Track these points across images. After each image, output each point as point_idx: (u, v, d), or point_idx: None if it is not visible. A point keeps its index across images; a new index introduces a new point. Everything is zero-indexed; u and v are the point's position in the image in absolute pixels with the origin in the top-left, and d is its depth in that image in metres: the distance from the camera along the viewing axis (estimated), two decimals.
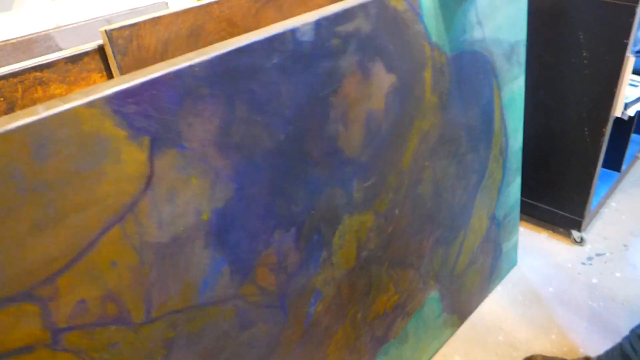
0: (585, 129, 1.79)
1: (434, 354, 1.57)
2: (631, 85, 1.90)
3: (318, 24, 0.88)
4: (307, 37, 0.87)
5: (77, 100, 0.63)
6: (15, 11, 1.04)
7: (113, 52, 0.94)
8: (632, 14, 1.56)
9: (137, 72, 0.68)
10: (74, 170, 0.64)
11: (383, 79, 1.02)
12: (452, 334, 1.63)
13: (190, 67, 0.73)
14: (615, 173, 2.12)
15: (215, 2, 1.00)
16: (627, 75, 1.67)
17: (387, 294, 1.28)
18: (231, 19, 1.02)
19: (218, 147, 0.79)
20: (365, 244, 1.14)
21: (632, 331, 1.31)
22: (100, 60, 0.96)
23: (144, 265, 0.75)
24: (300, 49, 0.87)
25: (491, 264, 1.69)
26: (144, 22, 0.95)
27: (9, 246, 0.61)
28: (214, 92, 0.77)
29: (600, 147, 1.78)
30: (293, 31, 0.85)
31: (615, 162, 2.12)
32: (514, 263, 1.84)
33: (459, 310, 1.62)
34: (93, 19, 1.02)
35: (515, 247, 1.81)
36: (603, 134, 1.76)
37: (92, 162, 0.65)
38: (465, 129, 1.29)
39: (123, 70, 0.95)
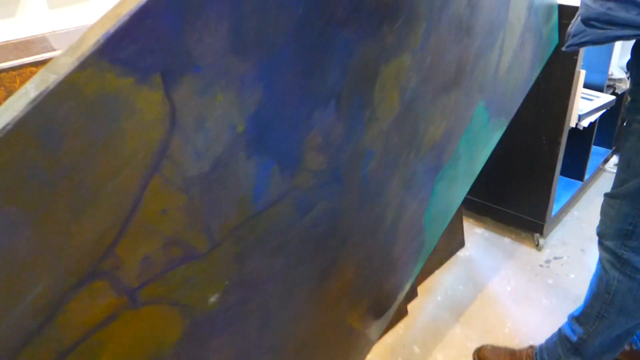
0: (543, 138, 1.93)
1: (485, 161, 1.59)
2: (586, 99, 2.05)
3: None
4: None
5: (68, 65, 0.54)
6: (18, 18, 1.21)
7: None
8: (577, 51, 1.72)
9: (118, 6, 0.58)
10: (92, 142, 0.58)
11: None
12: (501, 134, 1.63)
13: None
14: (578, 182, 2.25)
15: None
16: (579, 89, 1.82)
17: (435, 123, 1.22)
18: None
19: (235, 51, 0.71)
20: (407, 85, 1.08)
21: (570, 316, 1.44)
22: None
23: (194, 200, 0.72)
24: None
25: (532, 53, 1.61)
26: None
27: (58, 240, 0.59)
28: None
29: (557, 155, 1.92)
30: None
31: (578, 171, 2.25)
32: (554, 42, 1.76)
33: (506, 110, 1.58)
34: (83, 25, 1.19)
35: (555, 26, 1.72)
36: (559, 143, 1.90)
37: (108, 126, 0.59)
38: None
39: None
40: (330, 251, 1.04)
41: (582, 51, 1.77)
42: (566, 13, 1.69)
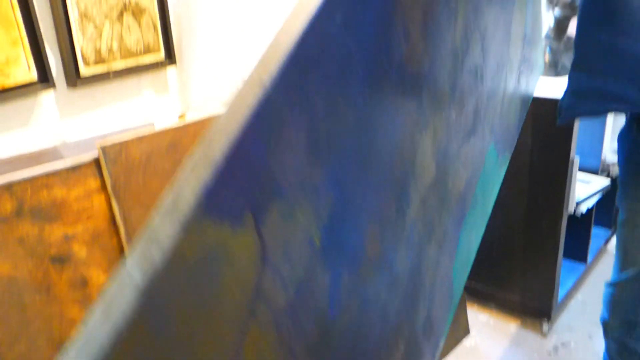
0: (543, 224, 1.95)
1: (496, 197, 1.58)
2: (583, 182, 2.08)
3: None
4: None
5: (171, 234, 0.48)
6: (31, 127, 1.27)
7: (105, 162, 1.15)
8: (571, 124, 1.78)
9: (206, 147, 0.53)
10: (191, 308, 0.51)
11: None
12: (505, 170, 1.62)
13: (266, 96, 0.59)
14: (581, 265, 2.25)
15: (191, 122, 1.22)
16: (574, 177, 1.86)
17: (459, 175, 1.20)
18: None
19: (311, 163, 0.69)
20: (439, 146, 1.06)
21: None
22: (95, 168, 1.17)
23: (282, 332, 0.68)
24: None
25: (526, 83, 1.61)
26: (132, 139, 1.17)
27: None
28: (294, 108, 0.64)
29: (558, 241, 1.93)
30: None
31: (580, 254, 2.26)
32: (541, 68, 1.77)
33: (510, 144, 1.56)
34: (92, 137, 1.25)
35: (542, 50, 1.71)
36: (559, 229, 1.92)
37: (208, 286, 0.53)
38: None
39: (113, 176, 1.16)
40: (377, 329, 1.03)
41: (575, 138, 1.82)
42: None
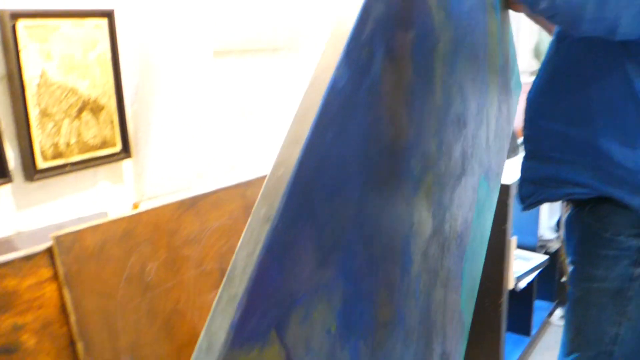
0: (486, 300, 2.04)
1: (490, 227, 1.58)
2: (523, 259, 2.21)
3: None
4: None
5: None
6: None
7: (59, 252, 1.20)
8: (506, 206, 1.91)
9: (226, 289, 0.57)
10: None
11: None
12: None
13: (274, 230, 0.63)
14: (525, 338, 2.34)
15: (144, 211, 1.28)
16: (512, 255, 1.98)
17: (455, 216, 1.24)
18: (157, 223, 1.30)
19: (321, 266, 0.72)
20: (433, 199, 1.11)
21: None
22: (49, 258, 1.21)
23: None
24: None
25: (507, 109, 1.63)
26: (86, 228, 1.22)
27: None
28: (300, 226, 0.67)
29: (501, 316, 2.02)
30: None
31: (524, 327, 2.35)
32: (519, 86, 1.80)
33: (500, 167, 1.58)
34: (47, 226, 1.30)
35: (518, 74, 1.74)
36: (501, 304, 2.01)
37: None
38: None
39: (65, 265, 1.20)
40: None
41: (511, 220, 1.96)
42: None
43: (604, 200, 1.11)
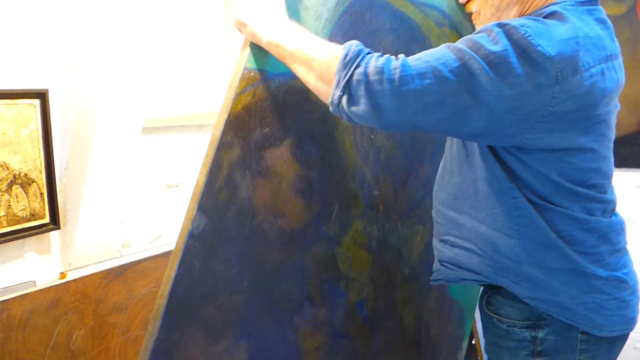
0: None
1: None
2: None
3: None
4: None
5: None
6: None
7: None
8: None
9: None
10: None
11: None
12: None
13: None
14: None
15: (72, 280, 1.34)
16: None
17: (416, 237, 1.32)
18: (84, 291, 1.36)
19: (217, 340, 1.01)
20: (369, 238, 1.27)
21: None
22: None
23: None
24: None
25: None
26: (13, 298, 1.26)
27: None
28: (181, 321, 0.98)
29: None
30: None
31: None
32: None
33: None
34: None
35: None
36: None
37: None
38: None
39: None
40: None
41: None
42: None
43: (498, 288, 1.15)
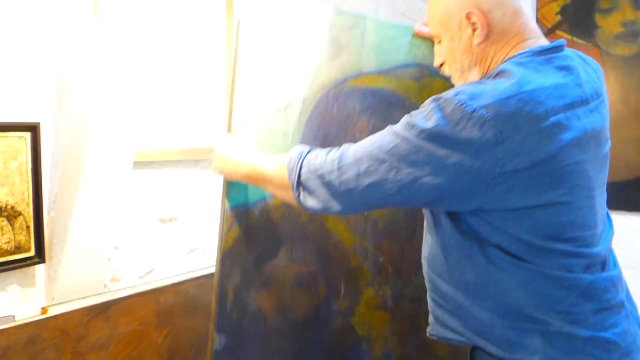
0: None
1: None
2: None
3: None
4: None
5: None
6: None
7: None
8: None
9: None
10: None
11: None
12: None
13: None
14: None
15: (52, 316, 1.31)
16: None
17: None
18: (64, 328, 1.32)
19: None
20: (383, 299, 1.36)
21: None
22: None
23: None
24: None
25: None
26: None
27: None
28: None
29: None
30: None
31: None
32: None
33: None
34: None
35: None
36: None
37: None
38: None
39: None
40: None
41: None
42: None
43: (480, 349, 1.12)
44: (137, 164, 1.64)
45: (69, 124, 1.47)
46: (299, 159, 1.11)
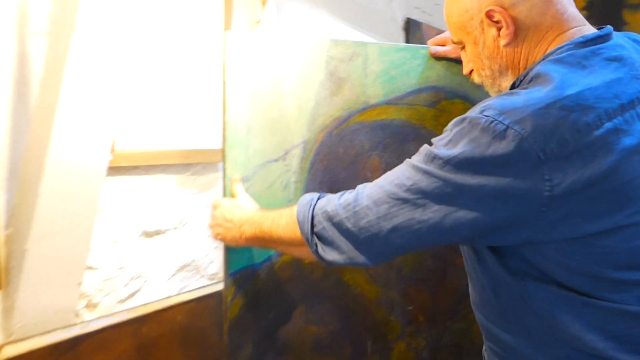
0: None
1: None
2: None
3: None
4: None
5: None
6: None
7: None
8: None
9: None
10: None
11: None
12: None
13: None
14: None
15: (9, 359, 1.17)
16: None
17: (475, 324, 1.27)
18: None
19: None
20: (417, 352, 1.30)
21: None
22: None
23: None
24: None
25: None
26: None
27: None
28: None
29: None
30: None
31: None
32: None
33: None
34: None
35: None
36: None
37: None
38: None
39: None
40: None
41: None
42: None
43: None
44: (117, 169, 1.46)
45: (27, 120, 1.27)
46: (309, 208, 0.99)
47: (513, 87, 0.95)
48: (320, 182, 1.19)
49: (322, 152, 1.19)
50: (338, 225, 0.95)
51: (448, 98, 1.34)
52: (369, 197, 0.92)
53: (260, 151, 1.12)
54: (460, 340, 1.42)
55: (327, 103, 1.18)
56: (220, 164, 1.63)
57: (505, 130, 0.79)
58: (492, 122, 0.80)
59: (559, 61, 0.87)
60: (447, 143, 0.85)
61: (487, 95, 1.33)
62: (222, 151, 1.10)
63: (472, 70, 1.06)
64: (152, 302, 1.49)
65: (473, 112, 0.85)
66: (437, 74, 1.31)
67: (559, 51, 0.90)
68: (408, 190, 0.87)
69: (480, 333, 1.43)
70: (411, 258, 1.34)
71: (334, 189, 1.19)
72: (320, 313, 1.22)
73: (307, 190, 1.18)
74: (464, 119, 0.85)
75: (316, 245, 0.98)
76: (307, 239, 0.99)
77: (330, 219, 0.95)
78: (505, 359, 1.01)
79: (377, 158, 1.25)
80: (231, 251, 1.13)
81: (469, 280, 1.09)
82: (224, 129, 1.08)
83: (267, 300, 1.16)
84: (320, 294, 1.21)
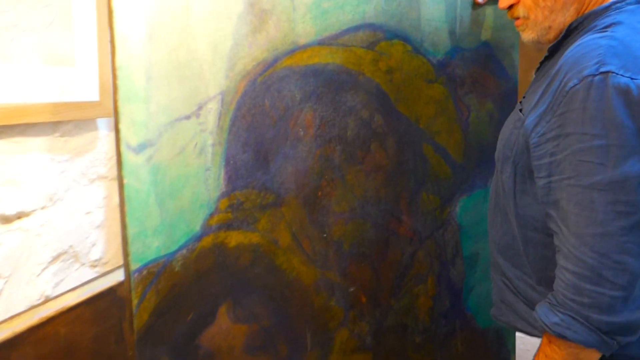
0: None
1: None
2: None
3: None
4: None
5: None
6: None
7: None
8: None
9: None
10: None
11: None
12: None
13: None
14: None
15: None
16: None
17: (420, 298, 1.25)
18: None
19: None
20: (360, 337, 1.18)
21: None
22: None
23: None
24: None
25: None
26: None
27: None
28: None
29: None
30: None
31: None
32: None
33: None
34: None
35: None
36: None
37: None
38: None
39: None
40: None
41: None
42: None
43: None
44: None
45: None
46: (545, 316, 0.85)
47: (569, 29, 0.92)
48: (244, 145, 0.95)
49: (244, 105, 0.94)
50: (587, 305, 0.82)
51: (387, 38, 1.17)
52: (585, 243, 0.81)
53: (165, 106, 0.84)
54: (404, 319, 1.30)
55: (248, 42, 0.93)
56: (101, 121, 1.28)
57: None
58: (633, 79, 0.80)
59: (631, 10, 0.87)
60: (591, 133, 0.80)
61: (429, 35, 1.23)
62: (114, 107, 0.80)
63: (513, 4, 0.96)
64: (21, 314, 1.07)
65: (586, 72, 0.80)
66: (375, 8, 1.12)
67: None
68: (625, 211, 0.80)
69: (424, 308, 1.40)
70: (351, 230, 1.16)
71: (260, 153, 0.97)
72: (250, 307, 1.00)
73: (228, 153, 0.94)
74: (587, 83, 0.81)
75: (597, 336, 0.83)
76: (579, 341, 0.83)
77: (571, 309, 0.83)
78: (520, 295, 1.01)
79: (311, 111, 1.03)
80: (133, 238, 0.84)
81: (492, 222, 1.06)
82: (115, 77, 0.79)
83: (185, 300, 0.91)
84: (249, 284, 1.00)
